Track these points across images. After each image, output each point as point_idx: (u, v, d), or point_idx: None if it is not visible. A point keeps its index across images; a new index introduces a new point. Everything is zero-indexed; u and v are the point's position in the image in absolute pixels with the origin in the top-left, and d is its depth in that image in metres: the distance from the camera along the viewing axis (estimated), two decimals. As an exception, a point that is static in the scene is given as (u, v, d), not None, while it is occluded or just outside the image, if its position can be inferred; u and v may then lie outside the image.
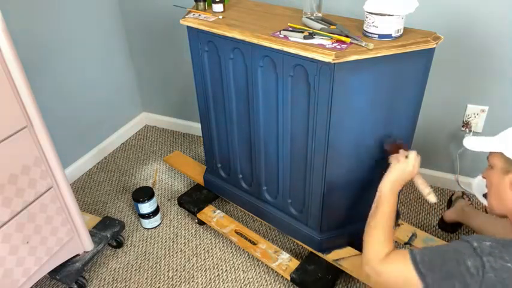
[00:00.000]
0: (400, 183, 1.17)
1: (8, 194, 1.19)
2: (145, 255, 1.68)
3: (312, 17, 1.30)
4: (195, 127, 2.36)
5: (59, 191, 1.37)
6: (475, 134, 1.71)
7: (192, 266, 1.63)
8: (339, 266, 1.45)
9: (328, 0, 1.41)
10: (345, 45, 1.12)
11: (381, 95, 1.21)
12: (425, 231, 1.63)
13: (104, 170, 2.18)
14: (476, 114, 1.67)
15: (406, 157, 1.18)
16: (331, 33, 1.17)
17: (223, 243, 1.72)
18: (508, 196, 0.95)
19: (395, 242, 1.62)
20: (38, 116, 1.24)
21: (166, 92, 2.37)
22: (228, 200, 1.84)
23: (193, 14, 1.45)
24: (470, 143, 1.06)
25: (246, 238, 1.63)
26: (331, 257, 1.48)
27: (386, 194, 1.14)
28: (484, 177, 1.06)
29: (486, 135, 1.69)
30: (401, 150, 1.21)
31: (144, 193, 1.74)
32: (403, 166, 1.17)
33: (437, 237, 1.57)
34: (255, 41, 1.24)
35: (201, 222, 1.78)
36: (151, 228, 1.80)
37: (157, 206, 1.80)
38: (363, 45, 1.11)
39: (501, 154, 0.96)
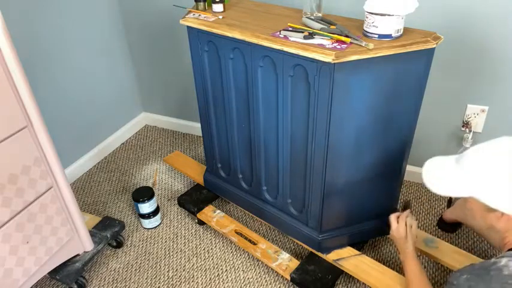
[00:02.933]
0: (402, 247, 1.27)
1: (8, 194, 1.18)
2: (145, 255, 1.68)
3: (312, 17, 1.30)
4: (195, 127, 2.36)
5: (59, 191, 1.37)
6: (475, 134, 1.71)
7: (192, 266, 1.63)
8: (339, 266, 1.45)
9: (328, 0, 1.41)
10: (345, 45, 1.12)
11: (381, 95, 1.21)
12: (425, 231, 1.63)
13: (104, 170, 2.18)
14: (476, 114, 1.67)
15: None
16: (331, 33, 1.17)
17: (223, 243, 1.72)
18: (497, 225, 0.92)
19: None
20: (38, 115, 1.24)
21: (166, 92, 2.37)
22: (228, 200, 1.84)
23: (193, 14, 1.45)
24: (433, 185, 1.00)
25: (246, 238, 1.63)
26: (331, 257, 1.48)
27: (403, 262, 1.25)
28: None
29: (486, 135, 1.70)
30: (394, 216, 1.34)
31: (144, 193, 1.74)
32: (395, 234, 1.31)
33: (438, 237, 1.57)
34: (255, 41, 1.24)
35: (201, 222, 1.78)
36: (151, 228, 1.80)
37: (157, 206, 1.80)
38: (363, 45, 1.11)
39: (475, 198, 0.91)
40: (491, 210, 0.88)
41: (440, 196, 1.88)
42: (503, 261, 0.84)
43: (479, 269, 0.86)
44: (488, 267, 0.85)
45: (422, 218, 1.78)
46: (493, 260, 0.87)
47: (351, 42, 1.13)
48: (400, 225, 1.29)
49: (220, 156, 1.72)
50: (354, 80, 1.15)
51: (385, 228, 1.55)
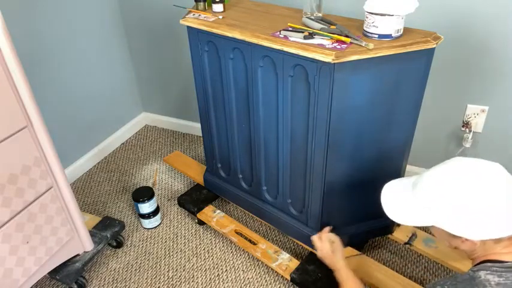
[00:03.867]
0: (332, 262, 1.29)
1: (8, 194, 1.19)
2: (145, 255, 1.68)
3: (312, 17, 1.30)
4: (195, 127, 2.36)
5: (59, 191, 1.37)
6: (475, 134, 1.71)
7: (192, 266, 1.63)
8: (339, 266, 1.45)
9: (328, 0, 1.41)
10: (345, 45, 1.12)
11: (381, 95, 1.21)
12: (425, 231, 1.63)
13: (104, 170, 2.18)
14: (476, 114, 1.67)
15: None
16: (331, 33, 1.17)
17: (223, 243, 1.72)
18: (462, 247, 0.92)
19: (396, 242, 1.62)
20: (37, 115, 1.24)
21: (166, 92, 2.37)
22: (228, 200, 1.84)
23: (193, 14, 1.45)
24: (393, 215, 1.00)
25: (246, 238, 1.63)
26: (331, 257, 1.48)
27: (337, 277, 1.26)
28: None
29: (486, 135, 1.70)
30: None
31: (144, 193, 1.74)
32: (320, 253, 1.34)
33: (437, 237, 1.57)
34: (255, 41, 1.24)
35: (201, 222, 1.78)
36: (151, 228, 1.80)
37: (157, 206, 1.80)
38: (363, 45, 1.11)
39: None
40: (454, 236, 0.88)
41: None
42: (482, 275, 0.84)
43: (462, 282, 0.86)
44: (471, 280, 0.85)
45: (422, 218, 1.78)
46: (469, 273, 0.87)
47: (351, 42, 1.13)
48: (324, 243, 1.32)
49: (220, 156, 1.72)
50: (354, 80, 1.15)
51: (386, 228, 1.56)
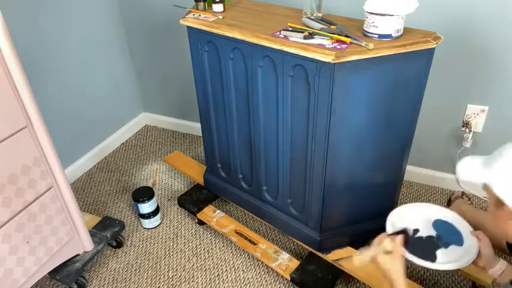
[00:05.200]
0: (399, 267, 1.08)
1: (8, 194, 1.19)
2: (145, 255, 1.68)
3: (312, 17, 1.30)
4: (195, 127, 2.36)
5: (59, 191, 1.37)
6: (475, 134, 1.71)
7: (192, 266, 1.63)
8: (338, 266, 1.45)
9: (328, 0, 1.41)
10: (345, 45, 1.12)
11: (381, 95, 1.21)
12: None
13: (104, 170, 2.18)
14: (476, 114, 1.67)
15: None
16: (331, 33, 1.17)
17: (223, 243, 1.72)
18: (503, 225, 0.93)
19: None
20: (37, 116, 1.24)
21: (166, 92, 2.37)
22: (228, 200, 1.84)
23: (193, 14, 1.45)
24: (461, 171, 1.01)
25: (246, 238, 1.63)
26: (331, 257, 1.48)
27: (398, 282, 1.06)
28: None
29: (486, 135, 1.70)
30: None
31: (144, 193, 1.74)
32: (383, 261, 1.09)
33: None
34: (255, 41, 1.24)
35: (201, 222, 1.78)
36: (151, 228, 1.80)
37: (157, 206, 1.80)
38: (363, 45, 1.11)
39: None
40: (498, 204, 0.89)
41: (440, 197, 1.88)
42: None
43: None
44: None
45: (422, 218, 1.78)
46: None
47: (351, 42, 1.13)
48: (399, 246, 1.09)
49: (220, 156, 1.72)
50: (354, 80, 1.15)
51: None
